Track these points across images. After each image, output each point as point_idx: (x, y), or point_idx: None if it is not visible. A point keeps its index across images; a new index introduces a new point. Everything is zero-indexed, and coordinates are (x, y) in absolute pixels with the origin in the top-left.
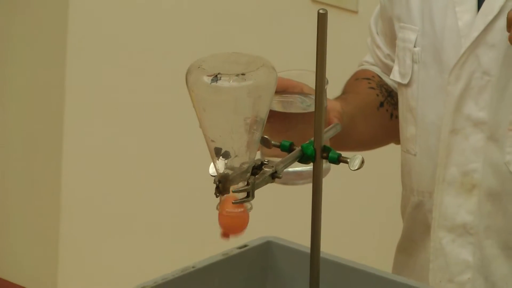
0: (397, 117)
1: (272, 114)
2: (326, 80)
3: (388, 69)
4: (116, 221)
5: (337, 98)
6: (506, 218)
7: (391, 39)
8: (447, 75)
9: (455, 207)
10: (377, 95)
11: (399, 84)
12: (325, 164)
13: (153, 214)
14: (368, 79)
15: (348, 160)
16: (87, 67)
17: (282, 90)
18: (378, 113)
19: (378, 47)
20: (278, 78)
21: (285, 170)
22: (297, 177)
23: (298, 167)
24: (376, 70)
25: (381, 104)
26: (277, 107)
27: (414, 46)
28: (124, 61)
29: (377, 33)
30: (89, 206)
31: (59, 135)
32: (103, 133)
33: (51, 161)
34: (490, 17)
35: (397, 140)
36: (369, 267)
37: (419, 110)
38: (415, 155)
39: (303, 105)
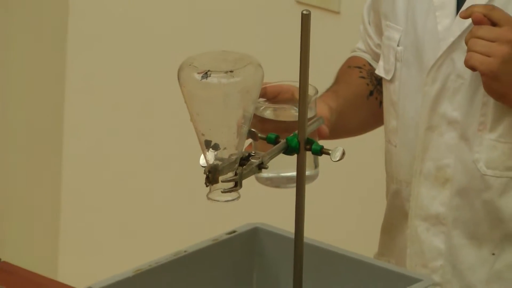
0: None
1: (266, 121)
2: (316, 90)
3: (378, 57)
4: (114, 212)
5: (329, 90)
6: (472, 211)
7: (381, 29)
8: (425, 76)
9: (429, 198)
10: (367, 84)
11: (384, 79)
12: (314, 170)
13: (149, 204)
14: (360, 67)
15: (330, 152)
16: (87, 62)
17: (274, 96)
18: (368, 102)
19: (370, 36)
20: (271, 85)
21: (279, 175)
22: (289, 181)
23: (289, 173)
24: (367, 57)
25: (371, 93)
26: (270, 116)
27: (398, 45)
28: (123, 58)
29: (369, 23)
30: (88, 198)
31: (59, 129)
32: (102, 127)
33: (52, 155)
34: (466, 24)
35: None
36: (350, 251)
37: (400, 105)
38: (395, 146)
39: (294, 113)
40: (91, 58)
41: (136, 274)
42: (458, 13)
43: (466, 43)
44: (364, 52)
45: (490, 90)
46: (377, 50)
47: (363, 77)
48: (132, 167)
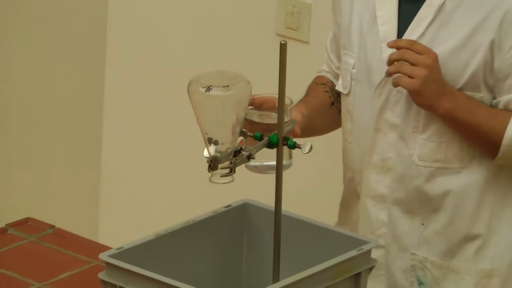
0: None
1: (254, 123)
2: (291, 101)
3: (338, 77)
4: (141, 189)
5: (301, 101)
6: (407, 192)
7: (340, 56)
8: (373, 91)
9: (376, 183)
10: (330, 96)
11: (342, 93)
12: (289, 161)
13: (168, 184)
14: (324, 84)
15: (301, 146)
16: (124, 64)
17: (260, 104)
18: (330, 110)
19: (331, 61)
20: (258, 97)
21: (262, 164)
22: (270, 169)
23: (270, 162)
24: (330, 76)
25: (332, 103)
26: (257, 119)
27: (353, 68)
28: (153, 65)
29: (331, 51)
30: (122, 177)
31: (99, 114)
32: (138, 115)
33: (93, 138)
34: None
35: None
36: (317, 221)
37: (355, 113)
38: (350, 143)
39: (274, 117)
40: (129, 58)
41: (156, 237)
42: (387, 43)
43: (391, 62)
44: (328, 72)
45: (418, 103)
46: (337, 71)
47: (326, 91)
48: (157, 155)
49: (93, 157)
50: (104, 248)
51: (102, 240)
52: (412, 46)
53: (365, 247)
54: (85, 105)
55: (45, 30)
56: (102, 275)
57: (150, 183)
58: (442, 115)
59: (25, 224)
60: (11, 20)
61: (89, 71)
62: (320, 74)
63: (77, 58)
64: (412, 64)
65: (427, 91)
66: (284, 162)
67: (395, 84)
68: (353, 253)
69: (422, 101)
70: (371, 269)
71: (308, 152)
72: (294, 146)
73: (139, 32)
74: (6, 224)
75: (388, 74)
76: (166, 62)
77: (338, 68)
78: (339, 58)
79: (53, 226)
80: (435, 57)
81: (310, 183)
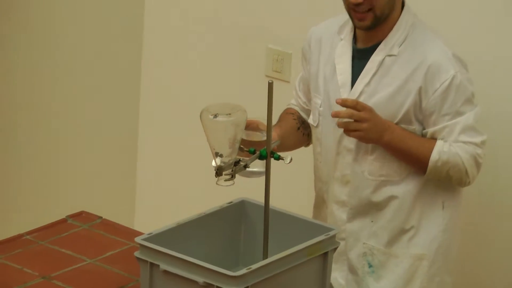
0: (308, 135)
1: (242, 140)
2: (245, 112)
3: (303, 109)
4: (164, 187)
5: (276, 125)
6: (360, 199)
7: (307, 94)
8: (335, 124)
9: (339, 192)
10: (297, 123)
11: (312, 125)
12: (263, 169)
13: (187, 185)
14: (293, 114)
15: (284, 158)
16: (159, 64)
17: (247, 125)
18: (297, 133)
19: (299, 97)
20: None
21: (248, 170)
22: (254, 174)
23: (255, 169)
24: (297, 108)
25: (299, 128)
26: (244, 137)
27: (320, 107)
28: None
29: (299, 90)
30: (156, 176)
31: (135, 110)
32: (173, 118)
33: (130, 131)
34: (354, 97)
35: (306, 145)
36: (296, 213)
37: (322, 140)
38: (320, 162)
39: (258, 135)
40: (163, 57)
41: (177, 225)
42: (335, 100)
43: (340, 116)
44: (295, 105)
45: (365, 142)
46: (303, 105)
47: (294, 119)
48: (178, 160)
49: (129, 166)
50: (138, 233)
51: (137, 227)
52: (356, 105)
53: (331, 233)
54: (122, 110)
55: (82, 36)
56: (137, 254)
57: (173, 184)
58: (384, 145)
59: (80, 215)
60: (48, 24)
61: (125, 71)
62: (289, 106)
63: (114, 61)
64: (356, 121)
65: (370, 136)
66: (259, 170)
67: (347, 135)
68: (322, 237)
69: (367, 141)
70: (335, 249)
71: (289, 163)
72: (278, 158)
73: (173, 44)
74: (66, 216)
75: (339, 126)
76: (188, 81)
77: (305, 103)
78: (305, 95)
79: (100, 217)
80: (370, 109)
81: (293, 186)
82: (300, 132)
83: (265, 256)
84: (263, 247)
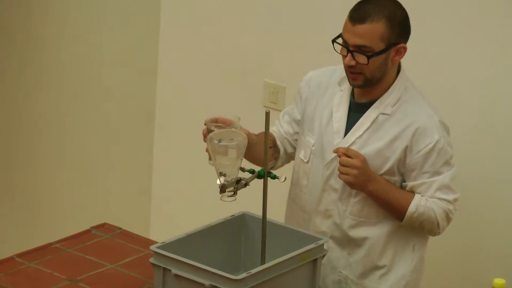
0: (275, 158)
1: (210, 131)
2: (239, 117)
3: (281, 137)
4: (175, 199)
5: (259, 135)
6: (340, 232)
7: (290, 124)
8: (324, 164)
9: (320, 224)
10: (270, 144)
11: (302, 160)
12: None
13: (197, 199)
14: (269, 136)
15: (279, 177)
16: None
17: (223, 121)
18: (270, 150)
19: (281, 126)
20: (220, 117)
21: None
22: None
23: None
24: (275, 135)
25: (270, 147)
26: (214, 129)
27: (312, 146)
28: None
29: (283, 120)
30: (177, 165)
31: (151, 118)
32: (188, 128)
33: (146, 132)
34: (347, 145)
35: (270, 168)
36: (290, 225)
37: (310, 175)
38: (305, 194)
39: (228, 128)
40: (180, 58)
41: (186, 235)
42: (333, 149)
43: (341, 162)
44: (275, 132)
45: (351, 188)
46: (283, 134)
47: (270, 139)
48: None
49: (145, 184)
50: (153, 242)
51: (152, 237)
52: (347, 152)
53: (320, 242)
54: (137, 120)
55: (99, 35)
56: (152, 260)
57: (183, 200)
58: (368, 193)
59: (103, 227)
60: (64, 24)
61: (141, 97)
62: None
63: (130, 66)
64: (347, 166)
65: (357, 183)
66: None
67: (340, 179)
68: (312, 245)
69: (353, 187)
70: (323, 256)
71: (284, 181)
72: (274, 177)
73: (184, 78)
74: (90, 227)
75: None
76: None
77: (285, 132)
78: (289, 125)
79: (120, 228)
80: (363, 159)
81: (281, 205)
82: (270, 150)
83: (262, 262)
84: (261, 254)
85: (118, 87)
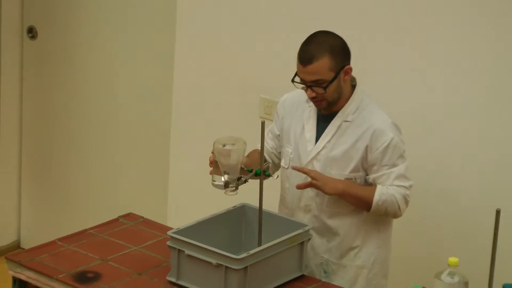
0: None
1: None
2: (245, 143)
3: (267, 151)
4: (189, 191)
5: (245, 157)
6: (320, 223)
7: (273, 140)
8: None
9: (301, 217)
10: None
11: (283, 167)
12: (221, 182)
13: (203, 193)
14: (258, 152)
15: (272, 175)
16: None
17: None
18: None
19: (267, 142)
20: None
21: (213, 183)
22: (218, 186)
23: (219, 182)
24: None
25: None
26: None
27: (290, 154)
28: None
29: (268, 137)
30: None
31: (168, 116)
32: (203, 126)
33: (162, 146)
34: (315, 152)
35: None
36: (282, 214)
37: (291, 179)
38: (288, 195)
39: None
40: (195, 68)
41: (197, 222)
42: (294, 167)
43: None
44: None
45: (325, 193)
46: (269, 148)
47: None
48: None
49: (163, 180)
50: (169, 228)
51: (169, 224)
52: (309, 172)
53: (305, 228)
54: (155, 123)
55: (114, 36)
56: (169, 243)
57: (195, 193)
58: (341, 193)
59: (128, 216)
60: (80, 27)
61: (158, 76)
62: (256, 148)
63: (146, 71)
64: (316, 180)
65: (326, 188)
66: (219, 183)
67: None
68: (300, 231)
69: (326, 192)
70: (309, 239)
71: (276, 178)
72: (269, 175)
73: (194, 96)
74: (118, 216)
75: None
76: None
77: (271, 147)
78: (272, 140)
79: (142, 217)
80: (317, 172)
81: (279, 195)
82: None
83: (259, 244)
84: (258, 238)
85: (137, 102)
